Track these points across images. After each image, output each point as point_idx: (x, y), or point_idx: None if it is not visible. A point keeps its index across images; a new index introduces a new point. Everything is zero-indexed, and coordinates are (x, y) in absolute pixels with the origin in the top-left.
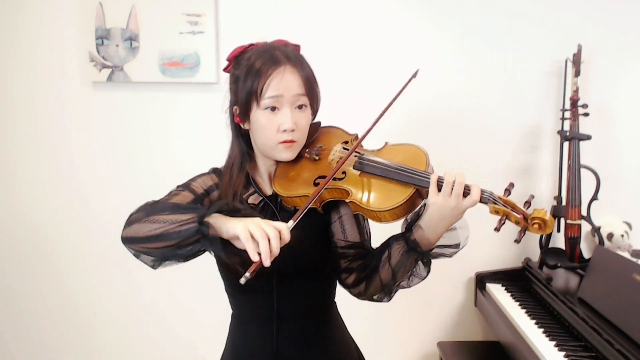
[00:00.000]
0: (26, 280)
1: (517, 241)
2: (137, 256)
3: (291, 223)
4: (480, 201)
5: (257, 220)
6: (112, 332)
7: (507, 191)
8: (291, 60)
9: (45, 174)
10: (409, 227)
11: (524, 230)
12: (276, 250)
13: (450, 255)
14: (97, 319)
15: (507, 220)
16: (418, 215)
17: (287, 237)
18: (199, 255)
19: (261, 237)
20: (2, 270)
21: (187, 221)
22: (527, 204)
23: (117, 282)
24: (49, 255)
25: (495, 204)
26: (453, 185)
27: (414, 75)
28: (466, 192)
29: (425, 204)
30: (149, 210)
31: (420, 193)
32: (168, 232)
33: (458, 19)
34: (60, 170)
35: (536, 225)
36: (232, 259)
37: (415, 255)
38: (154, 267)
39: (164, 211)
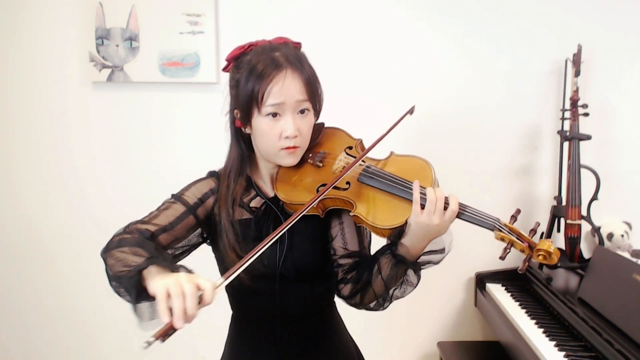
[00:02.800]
0: (26, 280)
1: (522, 271)
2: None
3: (221, 281)
4: (486, 227)
5: (181, 277)
6: (112, 332)
7: (513, 218)
8: (292, 64)
9: (45, 173)
10: (394, 242)
11: (528, 259)
12: (191, 310)
13: (437, 262)
14: (97, 319)
15: (512, 248)
16: (401, 233)
17: (209, 298)
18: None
19: (176, 295)
20: (1, 270)
21: (135, 268)
22: (533, 231)
23: None
24: (49, 254)
25: (500, 231)
26: (436, 203)
27: (410, 112)
28: (445, 205)
29: (407, 224)
30: (118, 241)
31: None
32: (118, 275)
33: (458, 19)
34: (60, 170)
35: (541, 257)
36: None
37: (404, 266)
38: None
39: (126, 246)
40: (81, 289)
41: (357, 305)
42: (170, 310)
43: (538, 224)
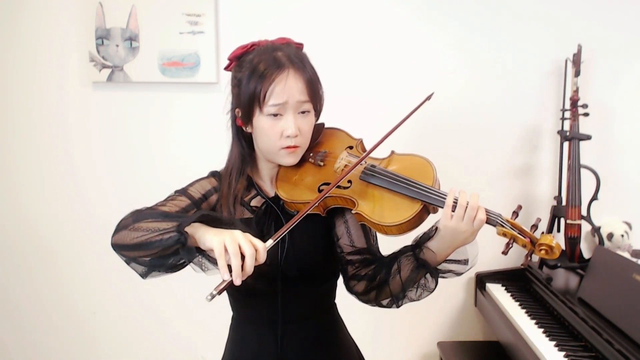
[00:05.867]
0: (26, 281)
1: (524, 265)
2: (127, 263)
3: (270, 242)
4: (488, 223)
5: (236, 234)
6: (112, 332)
7: (515, 214)
8: (294, 64)
9: (44, 173)
10: (419, 244)
11: (530, 254)
12: (249, 270)
13: (458, 274)
14: (97, 319)
15: (514, 244)
16: (429, 237)
17: (262, 257)
18: (183, 266)
19: (234, 254)
20: (1, 270)
21: (167, 230)
22: (534, 227)
23: (117, 282)
24: (48, 255)
25: (502, 226)
26: (466, 209)
27: (428, 98)
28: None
29: (437, 228)
30: (136, 217)
31: (427, 208)
32: (150, 241)
33: (458, 19)
34: (60, 170)
35: (543, 251)
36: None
37: (425, 270)
38: (143, 276)
39: (149, 219)
40: (81, 289)
41: (370, 302)
42: (229, 266)
43: (539, 220)
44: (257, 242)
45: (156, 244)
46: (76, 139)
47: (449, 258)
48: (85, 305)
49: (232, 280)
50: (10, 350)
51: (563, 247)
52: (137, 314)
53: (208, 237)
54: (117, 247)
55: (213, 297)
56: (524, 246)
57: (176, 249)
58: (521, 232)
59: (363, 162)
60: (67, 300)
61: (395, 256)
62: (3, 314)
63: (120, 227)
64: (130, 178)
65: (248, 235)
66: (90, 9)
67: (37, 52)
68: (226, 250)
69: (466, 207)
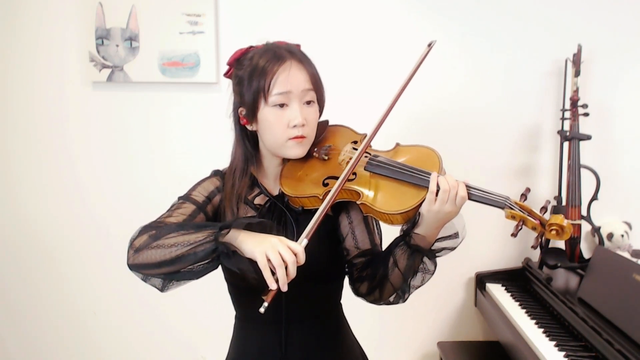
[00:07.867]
0: (26, 281)
1: (534, 247)
2: (145, 280)
3: (305, 242)
4: (497, 206)
5: (275, 242)
6: (112, 332)
7: (524, 196)
8: (296, 56)
9: (44, 173)
10: (407, 232)
11: (540, 236)
12: (293, 274)
13: (453, 248)
14: (97, 319)
15: (523, 226)
16: (414, 223)
17: (302, 259)
18: (209, 272)
19: (279, 266)
20: (1, 271)
21: (202, 241)
22: (544, 209)
23: (117, 282)
24: (48, 255)
25: (511, 209)
26: (449, 192)
27: (429, 45)
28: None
29: (420, 213)
30: (156, 234)
31: None
32: (183, 255)
33: (458, 19)
34: (60, 170)
35: (554, 232)
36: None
37: (420, 255)
38: (162, 290)
39: (172, 233)
40: (81, 289)
41: (377, 301)
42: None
43: (549, 202)
44: (295, 246)
45: (192, 257)
46: (76, 139)
47: (439, 236)
48: (85, 305)
49: (279, 289)
50: (11, 350)
51: (563, 247)
52: (137, 314)
53: (248, 248)
54: (141, 267)
55: (266, 308)
56: (534, 228)
57: (212, 259)
58: (530, 214)
59: (367, 153)
60: (67, 300)
61: (389, 250)
62: (3, 314)
63: (140, 247)
64: (130, 178)
65: (284, 239)
66: (90, 9)
67: (37, 52)
68: (268, 258)
69: (449, 190)
